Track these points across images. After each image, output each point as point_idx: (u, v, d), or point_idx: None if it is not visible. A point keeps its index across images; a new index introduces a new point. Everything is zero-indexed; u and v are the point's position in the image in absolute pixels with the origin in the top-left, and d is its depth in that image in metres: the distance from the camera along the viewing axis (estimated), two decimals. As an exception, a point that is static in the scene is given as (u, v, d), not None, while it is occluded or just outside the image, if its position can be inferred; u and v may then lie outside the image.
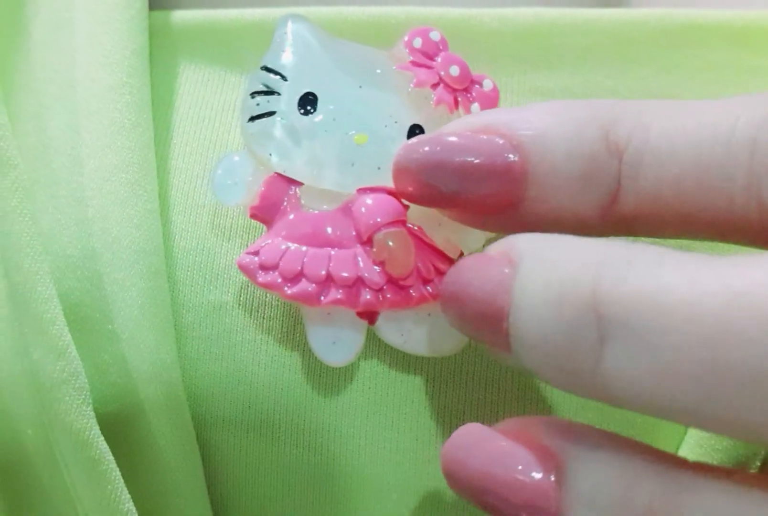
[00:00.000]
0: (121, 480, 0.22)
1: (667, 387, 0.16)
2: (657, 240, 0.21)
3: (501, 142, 0.20)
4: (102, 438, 0.22)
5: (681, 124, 0.19)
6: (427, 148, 0.21)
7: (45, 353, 0.22)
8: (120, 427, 0.23)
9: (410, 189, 0.21)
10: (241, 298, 0.24)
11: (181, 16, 0.27)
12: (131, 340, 0.23)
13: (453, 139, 0.21)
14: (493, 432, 0.19)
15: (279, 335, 0.24)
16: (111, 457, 0.22)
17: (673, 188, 0.19)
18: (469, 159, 0.20)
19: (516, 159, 0.20)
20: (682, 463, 0.17)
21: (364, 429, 0.24)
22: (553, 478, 0.18)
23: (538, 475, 0.18)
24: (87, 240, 0.24)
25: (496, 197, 0.20)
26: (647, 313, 0.16)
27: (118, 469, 0.22)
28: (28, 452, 0.24)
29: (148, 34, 0.26)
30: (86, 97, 0.25)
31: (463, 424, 0.20)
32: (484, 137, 0.20)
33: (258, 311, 0.24)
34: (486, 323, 0.19)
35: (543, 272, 0.18)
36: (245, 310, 0.24)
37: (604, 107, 0.20)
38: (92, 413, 0.22)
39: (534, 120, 0.20)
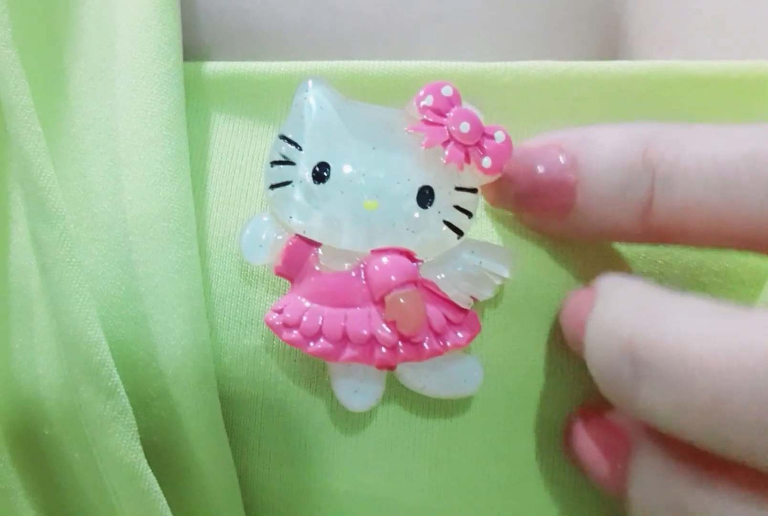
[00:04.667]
0: (168, 509, 0.25)
1: (682, 419, 0.20)
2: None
3: (561, 158, 0.24)
4: (150, 470, 0.25)
5: (712, 147, 0.22)
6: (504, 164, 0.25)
7: (95, 393, 0.24)
8: (163, 457, 0.26)
9: (490, 192, 0.26)
10: (273, 343, 0.26)
11: (211, 67, 0.28)
12: (174, 377, 0.25)
13: (524, 156, 0.25)
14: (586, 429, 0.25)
15: (309, 376, 0.26)
16: (158, 488, 0.25)
17: (699, 205, 0.22)
18: (534, 173, 0.25)
19: (570, 173, 0.24)
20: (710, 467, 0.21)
21: (387, 460, 0.26)
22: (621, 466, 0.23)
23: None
24: (131, 282, 0.25)
25: (552, 202, 0.25)
26: (668, 360, 0.20)
27: (164, 498, 0.25)
28: (75, 473, 0.26)
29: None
30: (126, 148, 0.26)
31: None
32: (548, 153, 0.25)
33: (289, 355, 0.26)
34: (576, 342, 0.23)
35: (602, 315, 0.22)
36: (277, 354, 0.26)
37: (649, 129, 0.24)
38: (140, 447, 0.25)
39: (589, 138, 0.24)
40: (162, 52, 0.27)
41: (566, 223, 0.25)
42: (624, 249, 0.27)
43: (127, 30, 0.27)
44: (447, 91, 0.25)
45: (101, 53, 0.28)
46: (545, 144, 0.25)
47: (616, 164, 0.23)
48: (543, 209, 0.25)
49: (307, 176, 0.25)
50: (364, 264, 0.25)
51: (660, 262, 0.27)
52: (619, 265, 0.27)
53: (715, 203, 0.22)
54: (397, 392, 0.26)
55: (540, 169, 0.25)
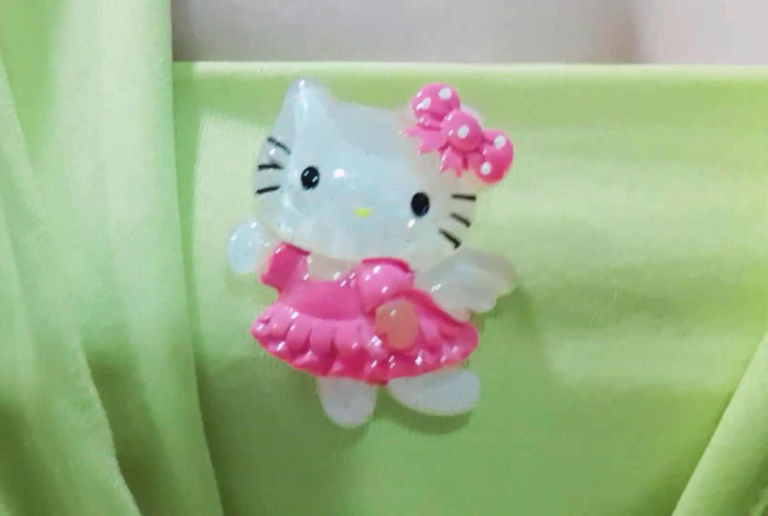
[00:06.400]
0: None
1: None
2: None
3: None
4: (125, 487, 0.24)
5: None
6: None
7: (70, 405, 0.24)
8: (142, 471, 0.25)
9: None
10: (261, 354, 0.25)
11: (202, 67, 0.27)
12: (154, 390, 0.24)
13: None
14: None
15: (298, 389, 0.25)
16: (134, 506, 0.24)
17: None
18: None
19: None
20: None
21: (380, 477, 0.25)
22: None
23: None
24: (112, 290, 0.25)
25: None
26: None
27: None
28: (56, 487, 0.25)
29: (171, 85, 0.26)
30: (111, 152, 0.26)
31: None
32: None
33: (277, 366, 0.25)
34: None
35: None
36: (265, 365, 0.25)
37: None
38: (115, 463, 0.24)
39: None
40: (150, 52, 0.26)
41: None
42: (631, 259, 0.25)
43: (115, 29, 0.27)
44: (445, 93, 0.24)
45: (89, 54, 0.27)
46: None
47: None
48: None
49: (296, 181, 0.24)
50: (354, 274, 0.23)
51: (672, 274, 0.25)
52: (627, 276, 0.25)
53: None
54: (390, 406, 0.25)
55: None
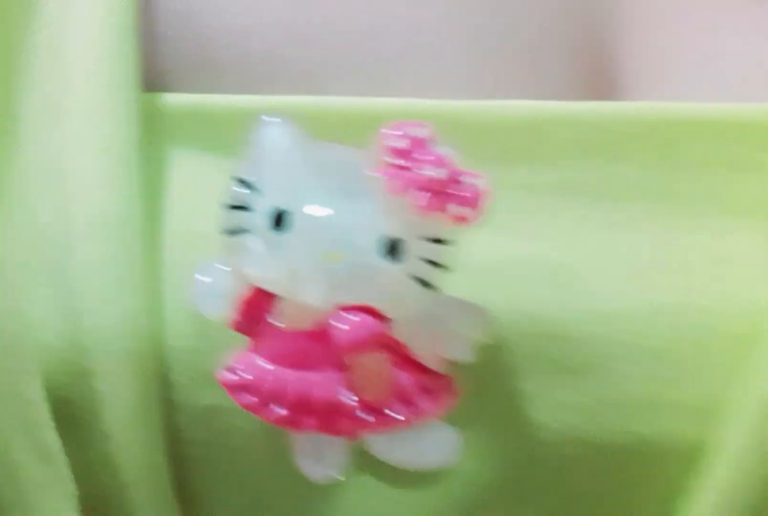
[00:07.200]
0: None
1: None
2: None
3: None
4: None
5: None
6: None
7: (32, 456, 0.23)
8: None
9: None
10: (232, 403, 0.24)
11: (172, 99, 0.26)
12: (120, 441, 0.23)
13: None
14: None
15: (270, 440, 0.24)
16: None
17: None
18: None
19: None
20: None
21: None
22: None
23: None
24: (75, 335, 0.24)
25: None
26: None
27: None
28: None
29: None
30: (76, 188, 0.25)
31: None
32: None
33: (249, 415, 0.24)
34: None
35: None
36: (237, 414, 0.24)
37: None
38: None
39: None
40: (118, 84, 0.25)
41: None
42: (616, 304, 0.24)
43: (82, 60, 0.26)
44: (419, 131, 0.23)
45: (55, 85, 0.26)
46: None
47: None
48: None
49: (265, 224, 0.22)
50: (328, 321, 0.22)
51: (658, 321, 0.24)
52: (612, 322, 0.24)
53: None
54: (365, 460, 0.24)
55: None
